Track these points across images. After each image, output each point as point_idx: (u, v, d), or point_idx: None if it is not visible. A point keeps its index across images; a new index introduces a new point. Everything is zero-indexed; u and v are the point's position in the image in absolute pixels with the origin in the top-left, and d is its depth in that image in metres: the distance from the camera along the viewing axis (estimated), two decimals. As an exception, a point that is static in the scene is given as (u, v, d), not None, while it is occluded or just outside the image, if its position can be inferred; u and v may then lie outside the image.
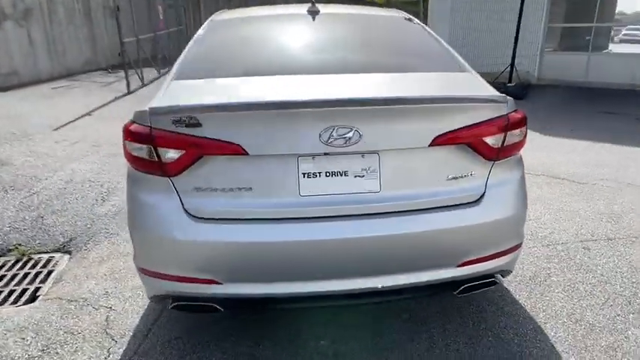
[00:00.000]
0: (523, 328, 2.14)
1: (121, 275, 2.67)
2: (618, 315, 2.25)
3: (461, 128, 1.66)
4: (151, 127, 1.62)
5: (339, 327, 2.15)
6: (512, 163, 1.85)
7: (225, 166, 1.62)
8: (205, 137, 1.59)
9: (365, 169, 1.65)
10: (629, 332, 2.12)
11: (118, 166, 4.38)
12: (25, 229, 3.23)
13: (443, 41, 2.38)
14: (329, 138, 1.58)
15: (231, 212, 1.64)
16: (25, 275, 2.76)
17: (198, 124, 1.58)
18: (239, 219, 1.64)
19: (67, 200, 3.67)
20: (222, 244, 1.61)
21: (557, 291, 2.46)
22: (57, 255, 2.98)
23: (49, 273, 2.78)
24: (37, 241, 3.10)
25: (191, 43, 2.31)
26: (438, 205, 1.69)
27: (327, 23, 2.51)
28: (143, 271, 1.77)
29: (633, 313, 2.26)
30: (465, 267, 1.76)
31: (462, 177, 1.71)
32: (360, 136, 1.59)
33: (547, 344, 2.03)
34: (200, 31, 2.43)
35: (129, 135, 1.67)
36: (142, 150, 1.65)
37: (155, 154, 1.63)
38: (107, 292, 2.51)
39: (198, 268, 1.67)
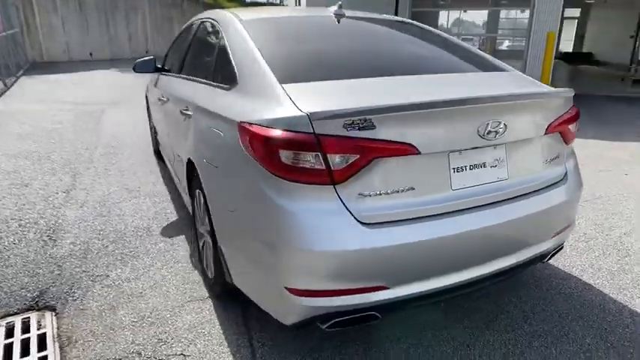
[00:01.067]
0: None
1: (162, 315, 2.23)
2: None
3: (559, 117, 1.94)
4: (315, 133, 1.48)
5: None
6: (572, 145, 2.20)
7: (394, 167, 1.56)
8: (381, 139, 1.52)
9: (497, 160, 1.78)
10: None
11: (25, 193, 3.56)
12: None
13: (463, 43, 2.67)
14: (484, 132, 1.68)
15: (397, 214, 1.58)
16: (8, 347, 2.08)
17: (372, 127, 1.50)
18: (404, 220, 1.60)
19: (-1, 247, 2.85)
20: (392, 247, 1.54)
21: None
22: (33, 314, 2.30)
23: (42, 337, 2.15)
24: (-9, 303, 2.35)
25: (240, 46, 2.10)
26: (545, 186, 1.93)
27: (360, 27, 2.58)
28: (294, 292, 1.55)
29: None
30: (555, 237, 2.04)
31: (554, 160, 1.99)
32: (505, 129, 1.73)
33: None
34: (238, 33, 2.22)
35: (283, 144, 1.48)
36: (302, 158, 1.49)
37: (322, 161, 1.48)
38: (160, 339, 2.07)
39: (368, 275, 1.57)
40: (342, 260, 1.50)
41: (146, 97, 4.83)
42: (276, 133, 1.49)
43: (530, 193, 1.87)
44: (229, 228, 1.84)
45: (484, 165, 1.74)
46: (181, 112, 2.53)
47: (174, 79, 3.11)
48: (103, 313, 2.24)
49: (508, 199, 1.80)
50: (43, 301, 2.37)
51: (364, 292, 1.57)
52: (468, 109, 1.63)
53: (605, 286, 2.50)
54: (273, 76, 1.79)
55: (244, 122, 1.66)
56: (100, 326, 2.15)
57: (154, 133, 4.53)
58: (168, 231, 3.11)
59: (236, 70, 2.00)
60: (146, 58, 3.85)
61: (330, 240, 1.49)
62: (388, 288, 1.59)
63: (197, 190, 2.28)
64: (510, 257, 1.87)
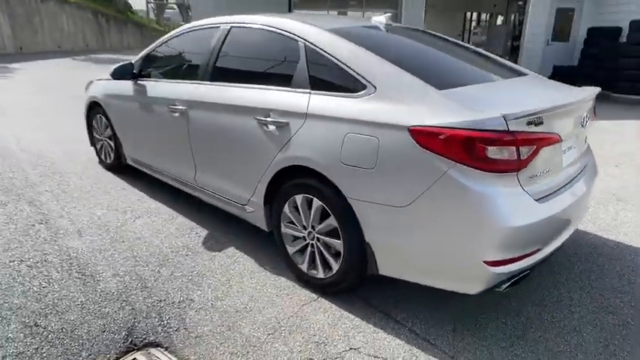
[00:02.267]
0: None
1: (291, 321, 2.20)
2: None
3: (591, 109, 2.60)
4: (510, 131, 1.78)
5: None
6: None
7: (547, 153, 1.97)
8: (547, 132, 1.91)
9: (573, 143, 2.34)
10: None
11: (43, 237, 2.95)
12: (39, 350, 1.98)
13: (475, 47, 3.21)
14: (583, 122, 2.27)
15: (548, 190, 2.00)
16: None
17: (541, 123, 1.88)
18: (551, 194, 2.02)
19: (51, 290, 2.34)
20: (549, 217, 1.95)
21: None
22: (138, 355, 2.05)
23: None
24: (86, 353, 2.01)
25: (355, 54, 2.25)
26: (587, 164, 2.58)
27: (413, 36, 2.91)
28: (489, 264, 1.83)
29: None
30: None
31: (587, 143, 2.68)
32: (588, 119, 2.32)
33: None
34: (342, 43, 2.34)
35: (490, 141, 1.77)
36: (502, 152, 1.79)
37: (516, 153, 1.81)
38: (315, 341, 2.09)
39: (536, 241, 1.95)
40: (527, 231, 1.86)
41: (89, 106, 4.26)
42: (480, 133, 1.76)
43: (584, 169, 2.47)
44: (393, 222, 2.01)
45: (570, 147, 2.28)
46: (258, 120, 2.49)
47: (204, 86, 2.93)
48: (226, 334, 2.16)
49: (579, 173, 2.37)
50: (139, 340, 2.14)
51: (531, 255, 1.95)
52: (580, 107, 2.16)
53: (585, 230, 3.35)
54: (424, 82, 2.02)
55: (422, 126, 1.86)
56: (237, 346, 2.08)
57: (114, 143, 4.05)
58: (214, 246, 2.97)
59: (362, 78, 2.14)
60: (125, 63, 3.51)
61: (519, 216, 1.83)
62: (541, 249, 2.01)
63: (301, 196, 2.34)
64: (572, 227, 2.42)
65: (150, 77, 3.52)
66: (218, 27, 3.03)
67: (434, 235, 1.93)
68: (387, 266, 2.12)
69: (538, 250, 1.99)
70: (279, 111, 2.40)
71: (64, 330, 2.14)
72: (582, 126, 2.28)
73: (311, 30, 2.48)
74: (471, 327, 2.21)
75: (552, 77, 11.79)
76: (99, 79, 4.23)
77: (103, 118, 4.11)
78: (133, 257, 2.80)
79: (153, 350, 2.10)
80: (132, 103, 3.61)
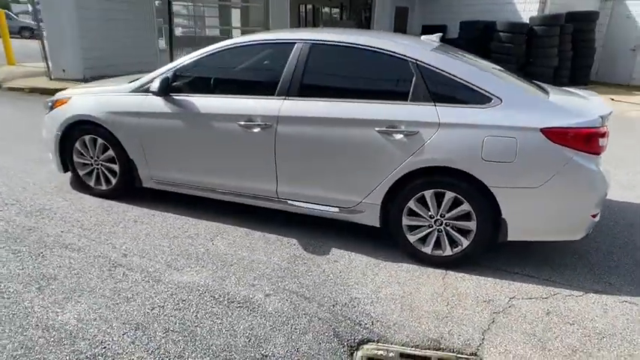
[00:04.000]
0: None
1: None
2: None
3: None
4: (604, 126, 2.65)
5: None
6: None
7: None
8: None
9: None
10: None
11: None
12: None
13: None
14: None
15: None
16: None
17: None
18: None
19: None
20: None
21: None
22: (360, 353, 2.29)
23: None
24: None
25: (471, 71, 2.84)
26: None
27: (456, 50, 3.50)
28: (592, 216, 2.70)
29: None
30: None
31: None
32: None
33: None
34: (456, 62, 2.91)
35: (602, 135, 2.62)
36: (603, 141, 2.64)
37: (604, 142, 2.68)
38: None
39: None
40: (602, 195, 2.78)
41: (70, 126, 3.68)
42: (596, 129, 2.58)
43: None
44: (529, 200, 2.69)
45: None
46: (380, 131, 2.83)
47: (290, 102, 3.04)
48: (411, 314, 2.55)
49: None
50: (350, 342, 2.36)
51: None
52: None
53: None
54: (535, 93, 2.74)
55: (553, 127, 2.59)
56: (430, 322, 2.50)
57: (120, 167, 3.65)
58: (318, 250, 3.17)
59: (485, 92, 2.73)
60: (164, 77, 3.27)
61: (607, 183, 2.75)
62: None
63: (431, 191, 2.83)
64: None
65: (185, 92, 3.34)
66: (292, 43, 3.15)
67: (559, 202, 2.70)
68: (518, 233, 2.82)
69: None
70: (407, 122, 2.80)
71: (291, 356, 2.21)
72: None
73: (417, 51, 2.93)
74: (585, 266, 3.09)
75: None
76: (81, 94, 3.68)
77: (99, 140, 3.62)
78: (263, 276, 2.82)
79: (367, 346, 2.36)
80: (167, 120, 3.36)
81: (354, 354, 2.29)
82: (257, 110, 3.11)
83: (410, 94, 2.87)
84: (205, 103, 3.27)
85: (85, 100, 3.65)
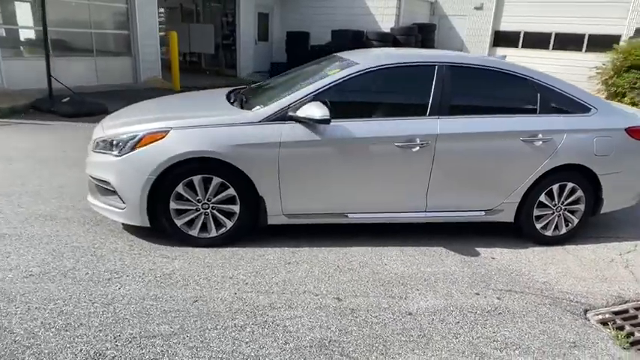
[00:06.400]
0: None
1: None
2: None
3: None
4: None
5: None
6: None
7: None
8: None
9: None
10: None
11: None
12: None
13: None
14: None
15: None
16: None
17: None
18: None
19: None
20: None
21: None
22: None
23: None
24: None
25: (568, 86, 3.57)
26: None
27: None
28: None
29: None
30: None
31: None
32: None
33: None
34: (551, 78, 3.54)
35: None
36: None
37: None
38: None
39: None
40: None
41: (168, 168, 3.05)
42: None
43: None
44: (619, 179, 3.62)
45: None
46: (524, 140, 3.38)
47: (443, 120, 3.29)
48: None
49: None
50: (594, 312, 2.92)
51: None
52: None
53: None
54: (610, 102, 3.69)
55: (633, 127, 3.60)
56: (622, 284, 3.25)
57: (241, 207, 3.21)
58: (468, 250, 3.53)
59: (586, 103, 3.56)
60: (323, 105, 3.09)
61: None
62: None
63: (557, 184, 3.55)
64: None
65: (336, 117, 3.18)
66: (433, 66, 3.38)
67: (631, 180, 3.76)
68: (610, 206, 3.77)
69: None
70: (544, 130, 3.43)
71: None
72: None
73: (532, 71, 3.56)
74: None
75: (273, 72, 14.25)
76: (180, 127, 3.07)
77: (215, 179, 3.10)
78: (468, 284, 3.05)
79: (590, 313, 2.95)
80: (315, 147, 3.15)
81: (588, 316, 2.84)
82: (416, 130, 3.25)
83: (538, 107, 3.50)
84: (359, 127, 3.21)
85: (193, 133, 3.05)
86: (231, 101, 3.64)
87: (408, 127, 3.27)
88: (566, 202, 3.65)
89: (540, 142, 3.44)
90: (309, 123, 3.08)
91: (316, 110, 3.00)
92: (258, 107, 3.24)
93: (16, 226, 3.35)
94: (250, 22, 14.06)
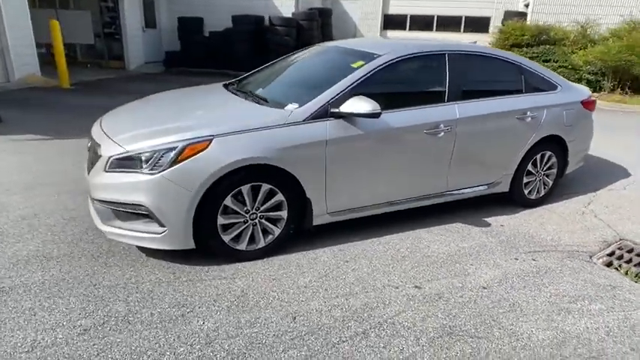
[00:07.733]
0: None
1: None
2: None
3: None
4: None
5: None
6: None
7: None
8: None
9: None
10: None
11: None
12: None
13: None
14: None
15: None
16: None
17: None
18: None
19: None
20: None
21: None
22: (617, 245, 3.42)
23: None
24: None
25: (541, 69, 4.06)
26: None
27: None
28: None
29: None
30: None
31: None
32: None
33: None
34: (530, 62, 4.00)
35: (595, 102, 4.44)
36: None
37: None
38: None
39: None
40: None
41: (216, 182, 2.77)
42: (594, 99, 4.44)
43: None
44: (577, 146, 4.32)
45: None
46: (518, 118, 3.81)
47: (459, 105, 3.51)
48: None
49: None
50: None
51: None
52: None
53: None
54: (567, 81, 4.33)
55: (584, 99, 4.29)
56: None
57: (289, 213, 3.05)
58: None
59: (555, 82, 4.11)
60: (372, 103, 3.04)
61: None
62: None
63: (540, 153, 4.08)
64: None
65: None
66: (443, 54, 3.56)
67: (583, 144, 4.50)
68: (571, 166, 4.45)
69: None
70: (532, 108, 3.90)
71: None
72: None
73: (517, 56, 3.99)
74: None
75: (168, 62, 13.10)
76: (221, 133, 2.78)
77: (264, 186, 2.90)
78: (505, 253, 3.38)
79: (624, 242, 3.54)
80: (357, 142, 3.12)
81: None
82: (440, 117, 3.43)
83: (523, 88, 3.96)
84: (395, 117, 3.26)
85: (239, 140, 2.77)
86: (246, 99, 3.38)
87: (433, 113, 3.43)
88: (545, 168, 4.22)
89: (530, 119, 3.90)
90: (352, 118, 3.03)
91: (364, 104, 2.96)
92: (293, 105, 3.05)
93: (11, 275, 2.67)
94: (136, 7, 12.68)
